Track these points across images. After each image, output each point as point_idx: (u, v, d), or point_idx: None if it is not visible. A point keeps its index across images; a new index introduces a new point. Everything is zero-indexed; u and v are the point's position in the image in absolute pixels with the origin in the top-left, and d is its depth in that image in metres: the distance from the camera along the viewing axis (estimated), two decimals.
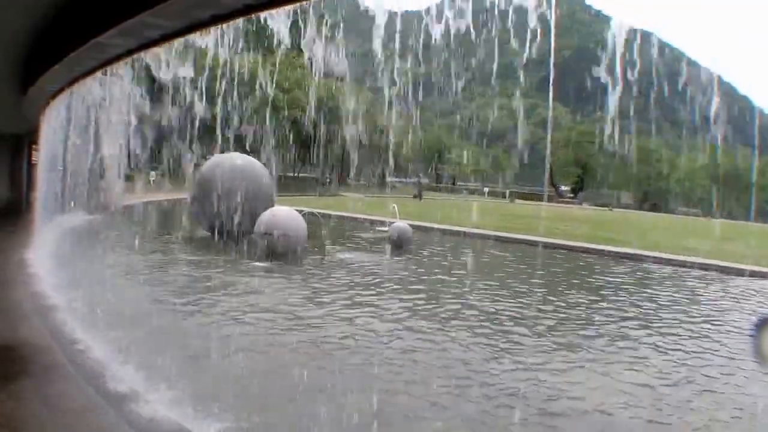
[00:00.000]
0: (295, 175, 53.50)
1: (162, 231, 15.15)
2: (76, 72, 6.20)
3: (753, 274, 13.72)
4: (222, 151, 18.41)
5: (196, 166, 18.32)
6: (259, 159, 17.08)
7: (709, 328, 8.57)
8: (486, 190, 66.74)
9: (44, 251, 9.87)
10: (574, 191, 77.48)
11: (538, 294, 10.58)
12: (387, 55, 20.77)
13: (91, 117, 12.94)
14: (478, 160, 75.42)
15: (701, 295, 11.72)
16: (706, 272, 14.14)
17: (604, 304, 9.90)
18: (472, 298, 9.63)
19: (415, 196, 45.25)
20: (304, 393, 4.92)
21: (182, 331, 6.52)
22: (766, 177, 60.90)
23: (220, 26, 3.94)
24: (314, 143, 47.52)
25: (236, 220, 13.11)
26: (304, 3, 3.33)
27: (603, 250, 16.75)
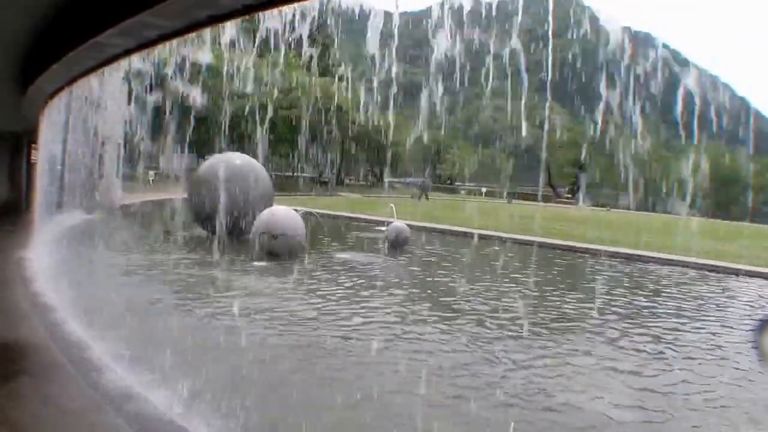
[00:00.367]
0: (293, 174, 53.51)
1: (160, 230, 15.13)
2: (74, 71, 6.20)
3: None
4: (220, 151, 18.43)
5: (195, 165, 18.30)
6: (257, 158, 17.11)
7: None
8: (484, 190, 66.72)
9: (43, 250, 9.87)
10: (572, 192, 77.54)
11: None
12: (386, 55, 20.80)
13: (90, 116, 12.96)
14: (476, 161, 75.42)
15: None
16: None
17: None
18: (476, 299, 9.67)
19: (413, 197, 45.14)
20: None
21: (181, 330, 6.53)
22: (764, 178, 61.02)
23: (218, 26, 3.95)
24: (312, 143, 47.55)
25: (235, 219, 13.14)
26: (304, 2, 3.35)
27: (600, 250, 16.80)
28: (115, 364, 4.70)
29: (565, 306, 9.51)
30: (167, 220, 16.90)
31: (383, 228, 17.24)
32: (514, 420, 4.73)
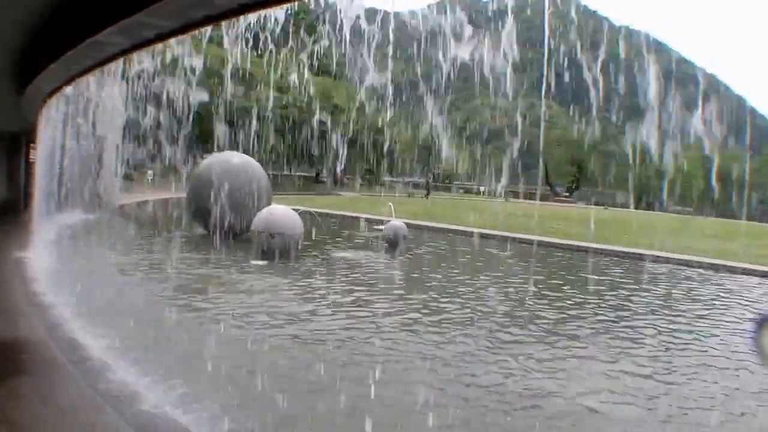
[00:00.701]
0: (290, 173, 53.49)
1: (159, 230, 15.15)
2: (73, 71, 6.20)
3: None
4: (219, 150, 18.43)
5: (194, 165, 18.27)
6: (255, 158, 17.10)
7: None
8: (481, 189, 66.75)
9: (42, 250, 9.88)
10: (570, 190, 77.54)
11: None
12: (382, 54, 20.81)
13: (88, 116, 12.96)
14: (473, 159, 75.44)
15: None
16: None
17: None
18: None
19: (410, 196, 45.11)
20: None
21: (179, 329, 6.56)
22: (761, 176, 61.15)
23: (215, 25, 3.97)
24: (310, 142, 47.51)
25: (233, 218, 13.14)
26: (302, 2, 3.36)
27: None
28: (114, 363, 4.72)
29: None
30: (166, 220, 16.93)
31: (381, 227, 17.26)
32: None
